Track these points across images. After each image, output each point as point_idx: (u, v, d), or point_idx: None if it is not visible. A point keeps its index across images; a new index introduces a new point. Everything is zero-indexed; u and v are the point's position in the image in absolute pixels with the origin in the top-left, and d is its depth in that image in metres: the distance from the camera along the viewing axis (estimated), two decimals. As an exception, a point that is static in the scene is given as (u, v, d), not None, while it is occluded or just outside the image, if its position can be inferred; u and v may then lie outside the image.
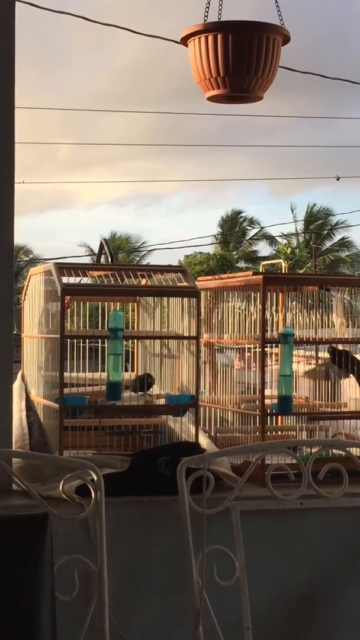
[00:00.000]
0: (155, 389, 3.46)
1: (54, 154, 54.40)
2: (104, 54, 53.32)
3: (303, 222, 40.03)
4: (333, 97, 44.69)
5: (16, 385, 3.54)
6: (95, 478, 2.79)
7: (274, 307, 3.49)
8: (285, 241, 39.85)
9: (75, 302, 3.47)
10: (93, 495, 2.78)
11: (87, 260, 32.57)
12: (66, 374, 3.13)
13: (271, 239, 40.25)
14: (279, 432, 3.54)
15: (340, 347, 3.54)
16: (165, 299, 3.47)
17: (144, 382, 3.41)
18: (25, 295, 3.71)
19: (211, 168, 54.46)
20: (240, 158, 56.43)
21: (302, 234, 39.81)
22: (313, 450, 3.18)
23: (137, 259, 37.81)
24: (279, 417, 3.51)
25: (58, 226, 62.85)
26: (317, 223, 39.27)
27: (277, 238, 40.15)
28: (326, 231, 39.68)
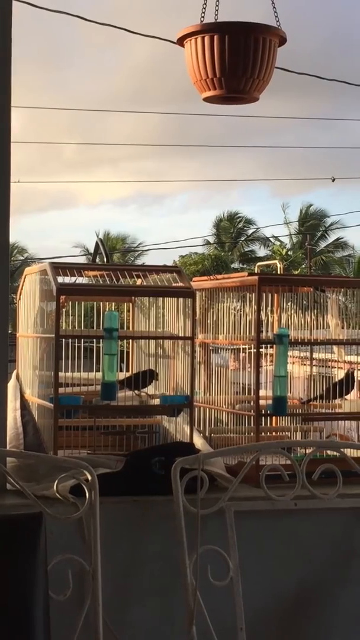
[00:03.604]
0: (150, 389, 3.47)
1: (60, 153, 54.36)
2: (112, 54, 53.41)
3: (297, 222, 40.06)
4: (343, 99, 44.80)
5: (11, 385, 3.54)
6: (90, 478, 2.79)
7: (269, 308, 3.49)
8: (278, 242, 39.86)
9: (70, 302, 3.47)
10: (87, 495, 2.78)
11: (82, 260, 32.53)
12: (61, 374, 3.13)
13: (266, 240, 40.27)
14: (274, 433, 3.54)
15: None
16: (161, 299, 3.47)
17: (146, 377, 3.40)
18: (20, 294, 3.71)
19: (216, 169, 54.56)
20: (245, 159, 56.47)
21: (296, 235, 39.82)
22: (307, 451, 3.18)
23: (132, 259, 37.80)
24: (274, 417, 3.51)
25: (57, 225, 62.79)
26: (310, 223, 39.26)
27: (271, 239, 40.22)
28: (320, 232, 39.68)
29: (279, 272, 4.50)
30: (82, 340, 3.32)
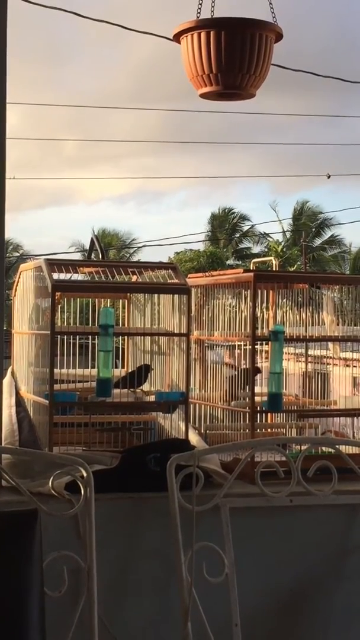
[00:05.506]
0: (145, 386, 3.46)
1: (60, 150, 54.23)
2: (113, 51, 53.40)
3: (292, 220, 40.06)
4: (342, 96, 44.83)
5: (6, 382, 3.53)
6: (85, 474, 2.79)
7: (264, 305, 3.49)
8: (271, 239, 39.86)
9: (65, 298, 3.46)
10: (82, 491, 2.78)
11: (77, 257, 32.49)
12: (56, 370, 3.13)
13: (261, 236, 40.30)
14: (269, 430, 3.55)
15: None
16: (156, 295, 3.47)
17: (142, 375, 3.39)
18: (15, 291, 3.71)
19: (216, 166, 54.64)
20: (246, 156, 56.48)
21: (291, 232, 39.83)
22: (302, 447, 3.18)
23: (128, 255, 37.79)
24: (269, 414, 3.51)
25: (55, 222, 62.67)
26: (302, 222, 39.28)
27: (266, 236, 40.22)
28: (314, 229, 39.69)
29: (274, 269, 4.50)
30: (77, 336, 3.32)
